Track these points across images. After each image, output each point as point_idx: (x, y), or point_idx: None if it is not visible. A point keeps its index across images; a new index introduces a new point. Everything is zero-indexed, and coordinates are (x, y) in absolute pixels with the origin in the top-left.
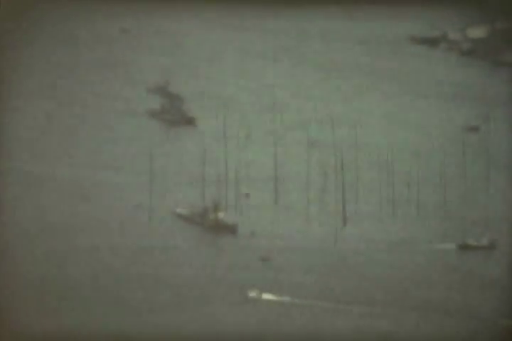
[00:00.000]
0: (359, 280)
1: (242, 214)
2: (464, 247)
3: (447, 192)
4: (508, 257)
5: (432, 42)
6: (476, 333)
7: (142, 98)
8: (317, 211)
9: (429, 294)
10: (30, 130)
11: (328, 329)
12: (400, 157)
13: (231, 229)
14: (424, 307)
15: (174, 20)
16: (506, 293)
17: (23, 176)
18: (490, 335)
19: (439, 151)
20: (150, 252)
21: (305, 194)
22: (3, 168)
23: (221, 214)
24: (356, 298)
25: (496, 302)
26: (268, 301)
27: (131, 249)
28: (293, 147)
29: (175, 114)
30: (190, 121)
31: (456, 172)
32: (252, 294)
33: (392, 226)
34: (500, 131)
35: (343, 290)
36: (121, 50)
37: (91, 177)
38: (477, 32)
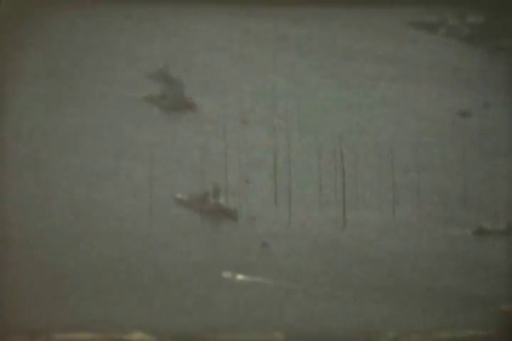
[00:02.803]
0: (361, 266)
1: (242, 200)
2: (479, 232)
3: (449, 177)
4: None
5: (430, 27)
6: (485, 319)
7: (141, 83)
8: (317, 196)
9: (433, 279)
10: (28, 117)
11: (313, 313)
12: (399, 142)
13: (231, 215)
14: (428, 293)
15: (175, 5)
16: None
17: (22, 162)
18: (499, 322)
19: (439, 137)
20: (149, 238)
21: (305, 180)
22: (2, 155)
23: (221, 200)
24: (356, 282)
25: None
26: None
27: (131, 234)
28: (293, 133)
29: (175, 100)
30: (190, 107)
31: (456, 157)
32: (226, 275)
33: (395, 211)
34: (499, 116)
35: (342, 275)
36: (121, 34)
37: (90, 164)
38: (476, 17)
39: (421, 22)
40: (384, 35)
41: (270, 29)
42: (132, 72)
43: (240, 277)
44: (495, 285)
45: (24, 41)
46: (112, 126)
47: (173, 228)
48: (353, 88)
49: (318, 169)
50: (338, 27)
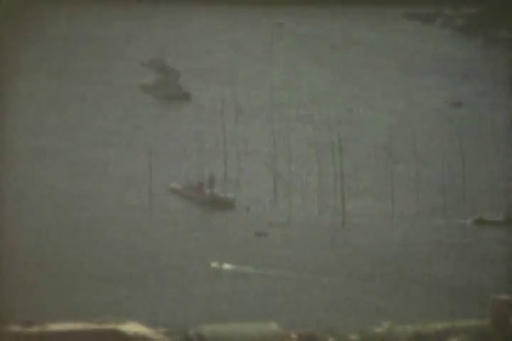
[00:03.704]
0: (359, 256)
1: (237, 189)
2: (479, 222)
3: (446, 167)
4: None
5: (427, 18)
6: (481, 309)
7: (137, 73)
8: (314, 186)
9: (430, 270)
10: (27, 106)
11: (308, 302)
12: (396, 133)
13: (227, 204)
14: (423, 283)
15: None
16: None
17: (22, 151)
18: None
19: (436, 127)
20: (146, 227)
21: (302, 169)
22: (2, 143)
23: (218, 189)
24: (353, 272)
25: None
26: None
27: (127, 223)
28: (290, 123)
29: (170, 89)
30: (185, 96)
31: (453, 148)
32: (214, 264)
33: (391, 201)
34: (495, 106)
35: (339, 265)
36: (117, 24)
37: (87, 152)
38: (472, 8)
39: (417, 13)
40: (380, 26)
41: (268, 20)
42: (128, 61)
43: (233, 267)
44: (492, 275)
45: (24, 31)
46: (108, 115)
47: (168, 218)
48: (350, 79)
49: (316, 159)
50: (335, 19)
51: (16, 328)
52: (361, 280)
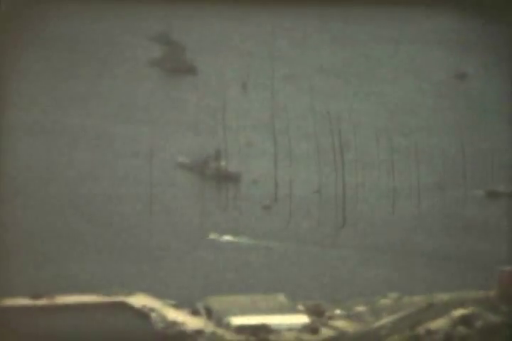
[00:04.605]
0: (363, 228)
1: (243, 163)
2: (492, 194)
3: (446, 139)
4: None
5: None
6: (487, 280)
7: (144, 47)
8: (317, 159)
9: (435, 241)
10: (31, 80)
11: (317, 275)
12: (398, 105)
13: (233, 178)
14: (430, 255)
15: None
16: None
17: (26, 125)
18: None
19: (440, 99)
20: (152, 200)
21: (305, 142)
22: (13, 119)
23: (223, 163)
24: (359, 245)
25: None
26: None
27: (134, 196)
28: (293, 96)
29: (176, 63)
30: (191, 70)
31: (453, 119)
32: (213, 236)
33: (392, 173)
34: (497, 78)
35: (345, 237)
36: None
37: (93, 127)
38: None
39: None
40: (384, 1)
41: None
42: (134, 36)
43: (241, 240)
44: (499, 247)
45: (28, 17)
46: (114, 90)
47: (174, 191)
48: (353, 51)
49: (316, 132)
50: None
51: (24, 301)
52: (367, 252)
